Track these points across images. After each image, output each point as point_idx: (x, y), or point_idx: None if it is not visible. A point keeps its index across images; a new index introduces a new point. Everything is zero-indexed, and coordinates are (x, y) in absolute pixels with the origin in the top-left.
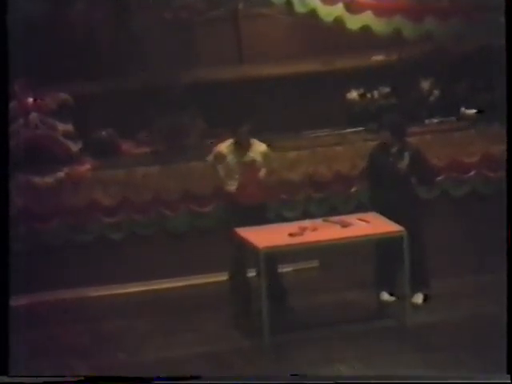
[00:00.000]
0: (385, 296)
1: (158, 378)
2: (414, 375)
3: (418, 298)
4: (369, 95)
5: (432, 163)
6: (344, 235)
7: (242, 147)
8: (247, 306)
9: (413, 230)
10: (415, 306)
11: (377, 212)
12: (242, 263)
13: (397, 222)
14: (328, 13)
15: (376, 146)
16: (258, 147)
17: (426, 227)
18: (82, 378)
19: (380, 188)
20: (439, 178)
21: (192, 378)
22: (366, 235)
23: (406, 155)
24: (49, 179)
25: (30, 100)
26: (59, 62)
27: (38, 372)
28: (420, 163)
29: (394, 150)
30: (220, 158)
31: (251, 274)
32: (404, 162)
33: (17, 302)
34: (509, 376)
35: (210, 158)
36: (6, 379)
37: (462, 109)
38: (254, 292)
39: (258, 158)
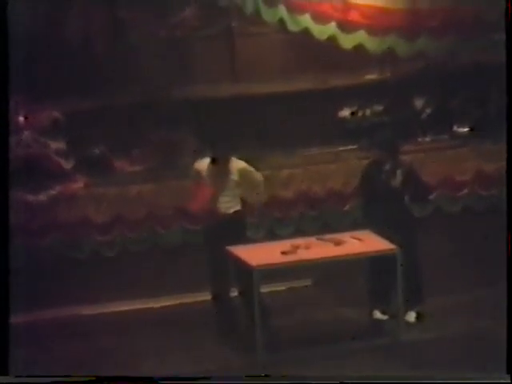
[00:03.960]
0: (377, 315)
1: (163, 378)
2: (414, 375)
3: (411, 317)
4: (361, 113)
5: (425, 180)
6: (337, 253)
7: (218, 165)
8: (233, 325)
9: (406, 247)
10: (409, 325)
11: (371, 229)
12: (226, 282)
13: (390, 239)
14: (321, 31)
15: (368, 163)
16: (236, 165)
17: (419, 244)
18: (84, 379)
19: (373, 205)
20: (432, 196)
21: (199, 378)
22: (359, 253)
23: (399, 173)
24: (42, 197)
25: (22, 118)
26: (51, 80)
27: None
28: (413, 180)
29: (386, 167)
30: (197, 175)
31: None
32: (397, 180)
33: (11, 319)
34: (509, 376)
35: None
36: (6, 379)
37: (455, 127)
38: (239, 311)
39: (235, 176)
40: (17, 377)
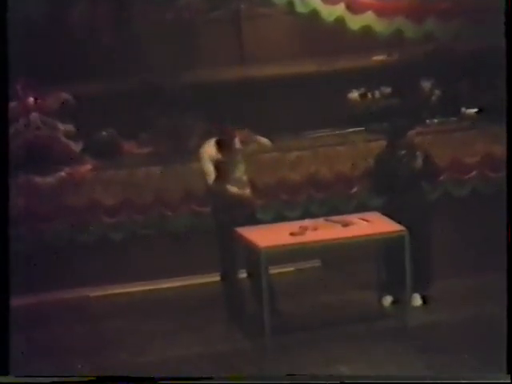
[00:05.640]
0: (387, 301)
1: (168, 378)
2: (414, 375)
3: (417, 301)
4: (370, 95)
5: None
6: (345, 235)
7: (226, 144)
8: (241, 307)
9: (420, 231)
10: (415, 308)
11: (384, 213)
12: (234, 264)
13: (405, 223)
14: (329, 13)
15: (383, 149)
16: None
17: (428, 228)
18: (84, 379)
19: (387, 190)
20: (440, 178)
21: (202, 378)
22: (368, 235)
23: (419, 156)
24: (50, 179)
25: (31, 100)
26: (61, 62)
27: (38, 372)
28: (427, 165)
29: (401, 152)
30: (211, 158)
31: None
32: (418, 163)
33: (18, 302)
34: (509, 376)
35: (204, 159)
36: (6, 379)
37: (463, 109)
38: (246, 293)
39: (241, 149)
40: (17, 377)
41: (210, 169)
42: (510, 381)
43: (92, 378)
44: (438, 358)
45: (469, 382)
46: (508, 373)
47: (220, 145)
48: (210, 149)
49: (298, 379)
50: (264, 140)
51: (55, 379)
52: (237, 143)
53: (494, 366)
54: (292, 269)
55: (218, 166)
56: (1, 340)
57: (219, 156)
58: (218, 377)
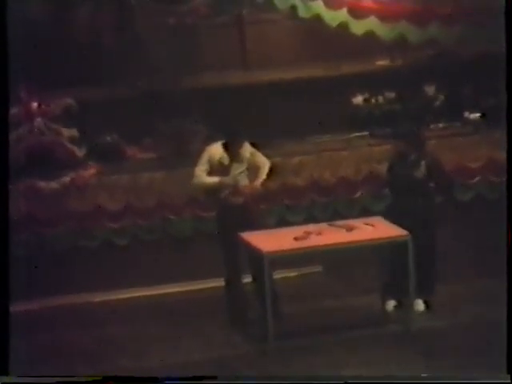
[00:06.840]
0: (390, 305)
1: (172, 379)
2: (415, 376)
3: (420, 306)
4: (373, 100)
5: (447, 172)
6: (349, 239)
7: (232, 149)
8: (244, 311)
9: (423, 236)
10: (418, 313)
11: (394, 219)
12: (238, 269)
13: (413, 229)
14: (332, 18)
15: (394, 154)
16: (247, 150)
17: (433, 233)
18: (85, 379)
19: (398, 196)
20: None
21: (207, 378)
22: (371, 239)
23: (423, 164)
24: (54, 184)
25: (35, 105)
26: (64, 67)
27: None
28: (437, 172)
29: (411, 158)
30: (213, 160)
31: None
32: (420, 171)
33: (21, 307)
34: (509, 376)
35: (202, 159)
36: (5, 379)
37: (466, 113)
38: (251, 297)
39: (245, 161)
40: (18, 376)
41: (201, 169)
42: (510, 381)
43: (97, 378)
44: (441, 362)
45: (469, 382)
46: (508, 373)
47: (226, 147)
48: (214, 149)
49: (299, 379)
50: (264, 161)
51: (55, 380)
52: (244, 150)
53: (494, 367)
54: (296, 273)
55: (218, 165)
56: (1, 340)
57: (223, 157)
58: (223, 376)
